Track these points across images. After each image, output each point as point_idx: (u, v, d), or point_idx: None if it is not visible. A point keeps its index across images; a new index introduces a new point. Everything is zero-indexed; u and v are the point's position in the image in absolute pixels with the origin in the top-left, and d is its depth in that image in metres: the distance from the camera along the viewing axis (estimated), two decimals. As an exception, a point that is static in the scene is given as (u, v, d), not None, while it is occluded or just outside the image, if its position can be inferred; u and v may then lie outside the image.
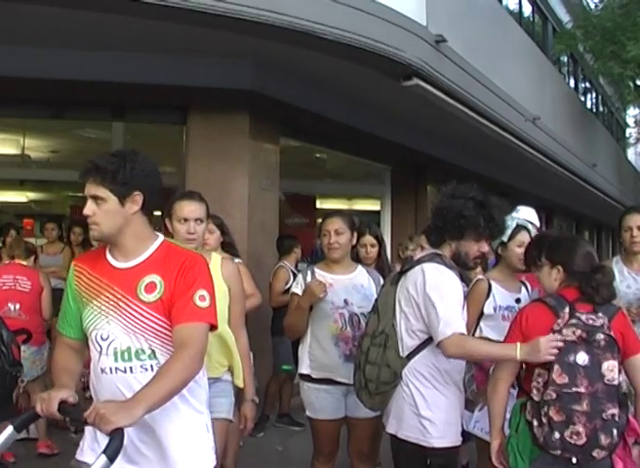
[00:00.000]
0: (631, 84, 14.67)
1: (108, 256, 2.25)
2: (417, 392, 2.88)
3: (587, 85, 17.84)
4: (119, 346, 2.17)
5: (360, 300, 3.46)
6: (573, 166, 12.35)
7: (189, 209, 3.09)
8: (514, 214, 3.75)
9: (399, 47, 5.71)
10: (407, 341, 2.90)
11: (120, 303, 2.17)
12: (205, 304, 2.13)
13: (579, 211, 19.14)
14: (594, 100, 18.85)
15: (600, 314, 2.59)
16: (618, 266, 3.86)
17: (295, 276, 5.28)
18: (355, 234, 3.56)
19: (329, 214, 3.64)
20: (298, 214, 9.12)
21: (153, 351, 2.17)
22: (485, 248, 2.99)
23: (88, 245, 6.18)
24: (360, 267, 3.63)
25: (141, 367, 2.17)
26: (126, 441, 1.94)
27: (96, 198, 2.14)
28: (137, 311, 2.16)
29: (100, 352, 2.20)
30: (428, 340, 2.86)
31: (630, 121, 24.00)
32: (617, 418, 2.50)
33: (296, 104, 6.65)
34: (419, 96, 6.58)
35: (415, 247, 5.10)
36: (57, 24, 5.13)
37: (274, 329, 5.61)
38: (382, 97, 7.05)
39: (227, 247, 4.66)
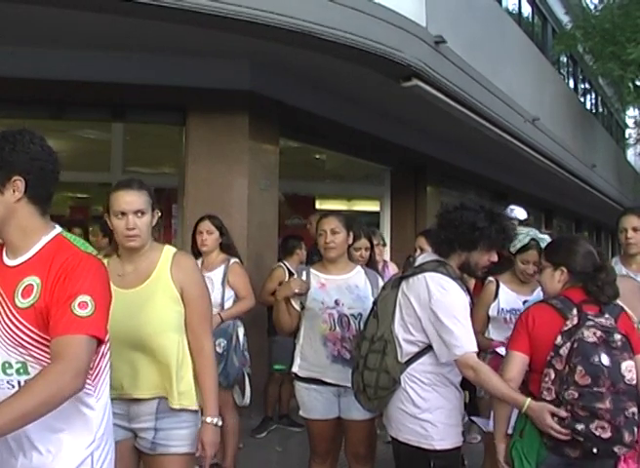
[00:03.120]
0: (631, 85, 14.66)
1: (3, 252, 1.98)
2: (416, 395, 2.87)
3: (587, 86, 17.85)
4: None
5: (352, 301, 3.42)
6: (572, 166, 12.35)
7: (125, 200, 2.59)
8: (528, 230, 3.76)
9: (398, 48, 5.70)
10: (406, 348, 2.88)
11: None
12: (86, 312, 1.80)
13: (578, 211, 19.14)
14: (594, 101, 18.86)
15: (607, 315, 2.59)
16: (617, 267, 3.85)
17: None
18: (351, 234, 3.53)
19: (324, 214, 3.64)
20: (297, 214, 9.11)
21: (24, 366, 1.87)
22: (495, 257, 2.97)
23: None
24: (358, 268, 3.59)
25: (8, 382, 1.88)
26: None
27: None
28: (9, 318, 1.87)
29: None
30: (428, 348, 2.85)
31: (630, 122, 23.98)
32: (636, 417, 2.50)
33: (295, 105, 6.65)
34: (418, 96, 6.58)
35: (378, 240, 5.19)
36: (57, 25, 5.13)
37: (270, 329, 5.61)
38: (382, 97, 7.06)
39: (225, 247, 4.66)
